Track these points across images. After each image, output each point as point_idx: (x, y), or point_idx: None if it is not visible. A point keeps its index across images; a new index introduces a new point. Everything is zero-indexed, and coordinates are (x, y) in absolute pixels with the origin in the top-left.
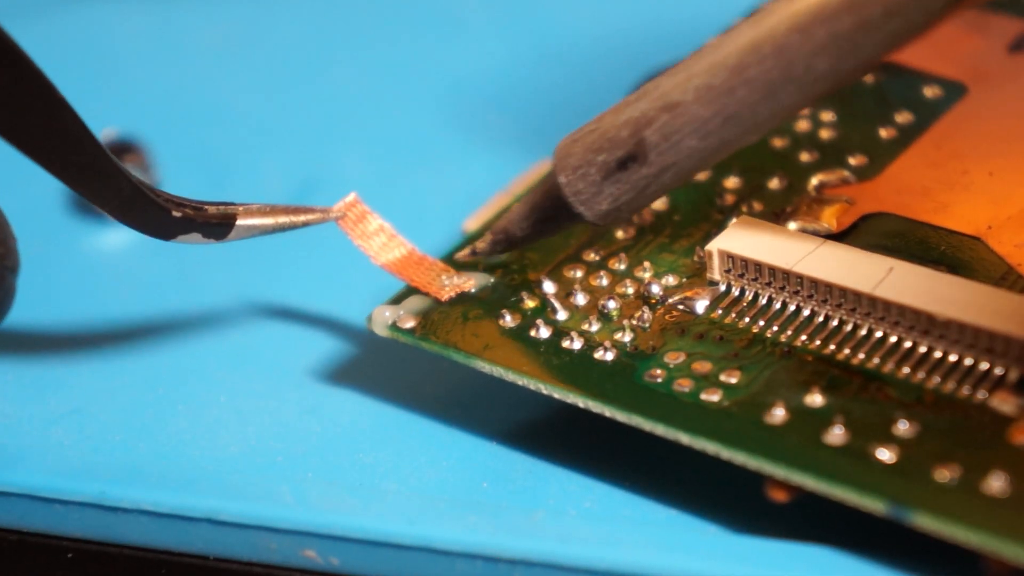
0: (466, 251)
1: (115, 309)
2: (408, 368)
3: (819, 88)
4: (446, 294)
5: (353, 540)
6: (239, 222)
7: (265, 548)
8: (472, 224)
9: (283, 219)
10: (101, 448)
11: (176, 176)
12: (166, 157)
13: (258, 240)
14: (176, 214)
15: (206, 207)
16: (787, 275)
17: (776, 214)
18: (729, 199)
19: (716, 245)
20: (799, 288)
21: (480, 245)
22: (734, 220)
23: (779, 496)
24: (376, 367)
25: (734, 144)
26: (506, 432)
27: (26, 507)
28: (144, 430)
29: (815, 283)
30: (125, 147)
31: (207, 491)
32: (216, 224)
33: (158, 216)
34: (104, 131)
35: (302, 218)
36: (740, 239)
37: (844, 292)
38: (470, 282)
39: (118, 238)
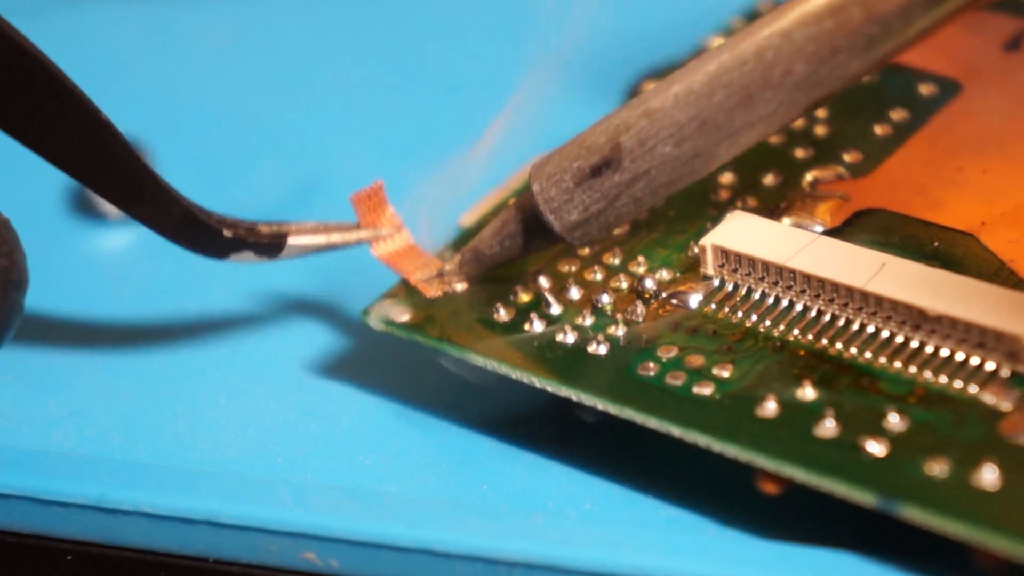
0: (434, 276)
1: (115, 310)
2: (408, 370)
3: (796, 96)
4: (433, 291)
5: (353, 542)
6: (291, 241)
7: (265, 550)
8: (468, 219)
9: (335, 237)
10: (100, 450)
11: (176, 177)
12: (166, 157)
13: None
14: (228, 234)
15: (259, 227)
16: (780, 270)
17: (771, 210)
18: (724, 195)
19: (710, 240)
20: (792, 283)
21: (448, 267)
22: (729, 215)
23: (770, 488)
24: (376, 369)
25: (707, 156)
26: (506, 434)
27: (25, 509)
28: (143, 432)
29: (808, 278)
30: None
31: (206, 493)
32: (268, 244)
33: (210, 236)
34: None
35: (354, 236)
36: (734, 234)
37: (837, 287)
38: (461, 284)
39: (118, 239)
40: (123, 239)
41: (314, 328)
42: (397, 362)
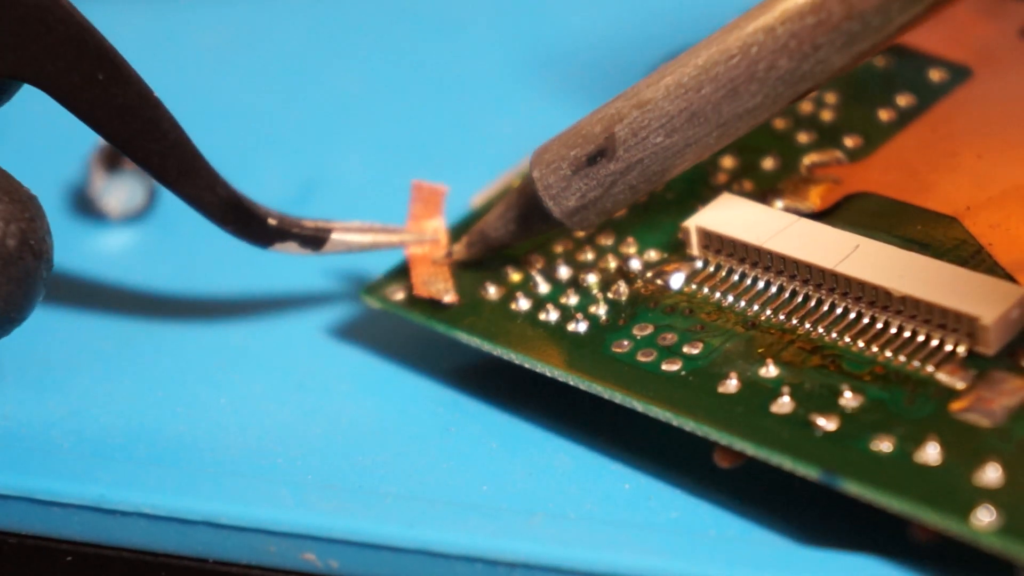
0: (444, 254)
1: (115, 310)
2: (409, 371)
3: (780, 89)
4: (451, 298)
5: (352, 543)
6: (334, 236)
7: (264, 551)
8: (479, 200)
9: (380, 237)
10: (100, 451)
11: None
12: None
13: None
14: (273, 222)
15: (303, 220)
16: (759, 251)
17: (764, 193)
18: (722, 178)
19: (694, 222)
20: (770, 264)
21: (457, 248)
22: (718, 198)
23: (723, 462)
24: (376, 371)
25: (698, 146)
26: (506, 434)
27: (25, 510)
28: (143, 433)
29: (783, 259)
30: None
31: (206, 494)
32: (312, 236)
33: (255, 223)
34: None
35: (396, 238)
36: (719, 217)
37: (809, 268)
38: (450, 296)
39: (118, 239)
40: (123, 239)
41: (314, 329)
42: (398, 363)
